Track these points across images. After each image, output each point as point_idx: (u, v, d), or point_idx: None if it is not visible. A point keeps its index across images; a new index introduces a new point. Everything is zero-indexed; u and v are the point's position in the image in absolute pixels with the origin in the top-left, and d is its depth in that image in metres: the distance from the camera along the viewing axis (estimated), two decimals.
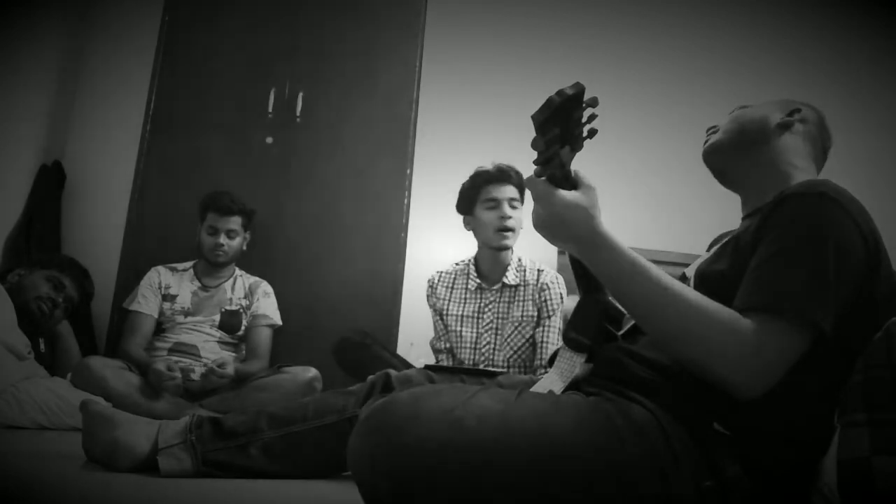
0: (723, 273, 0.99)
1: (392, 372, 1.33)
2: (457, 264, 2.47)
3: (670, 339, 0.91)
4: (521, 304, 2.30)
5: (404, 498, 0.79)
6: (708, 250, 1.24)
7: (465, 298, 2.38)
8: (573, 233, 0.93)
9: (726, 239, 1.10)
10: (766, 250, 0.92)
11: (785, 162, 1.11)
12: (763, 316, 0.87)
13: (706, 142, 1.19)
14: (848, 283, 0.89)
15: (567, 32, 3.60)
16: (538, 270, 2.33)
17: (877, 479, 0.83)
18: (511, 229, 2.24)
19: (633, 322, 1.06)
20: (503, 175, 2.27)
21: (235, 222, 2.55)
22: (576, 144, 0.92)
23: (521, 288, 2.31)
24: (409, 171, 2.83)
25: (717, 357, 0.86)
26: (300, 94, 2.82)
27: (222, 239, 2.52)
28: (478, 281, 2.36)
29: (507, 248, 2.28)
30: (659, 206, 3.49)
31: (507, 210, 2.24)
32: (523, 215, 2.29)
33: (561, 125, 0.87)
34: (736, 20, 3.70)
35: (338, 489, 1.19)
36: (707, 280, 1.02)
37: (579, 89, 0.86)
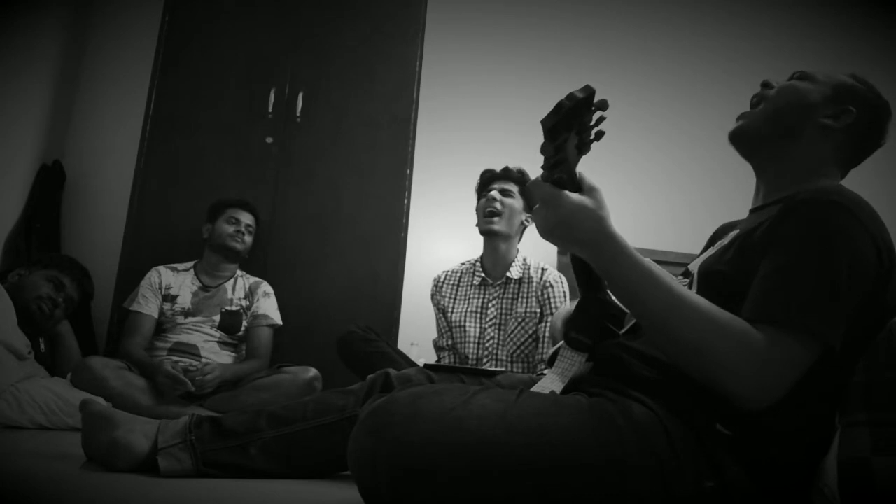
0: (728, 275, 0.98)
1: (392, 371, 1.33)
2: (463, 264, 2.52)
3: (678, 348, 0.89)
4: (524, 300, 2.32)
5: (404, 497, 0.79)
6: (711, 242, 1.23)
7: (470, 294, 2.41)
8: (583, 236, 0.91)
9: (733, 233, 1.09)
10: (776, 259, 0.91)
11: (810, 165, 1.07)
12: (772, 329, 0.86)
13: (742, 114, 1.13)
14: (859, 295, 0.89)
15: (566, 32, 3.60)
16: (542, 269, 2.37)
17: (877, 479, 0.83)
18: (496, 213, 2.31)
19: (634, 321, 1.06)
20: (504, 172, 2.39)
21: (252, 221, 2.62)
22: (584, 148, 0.90)
23: (525, 284, 2.34)
24: (409, 171, 2.83)
25: (725, 370, 0.85)
26: (300, 94, 2.82)
27: (243, 228, 2.57)
28: (482, 276, 2.41)
29: (493, 232, 2.32)
30: (659, 205, 3.49)
31: (495, 195, 2.32)
32: (517, 204, 2.35)
33: (570, 129, 0.86)
34: (739, 20, 3.70)
35: (338, 489, 1.19)
36: (711, 279, 1.01)
37: (589, 92, 0.85)
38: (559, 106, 0.84)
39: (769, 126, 1.10)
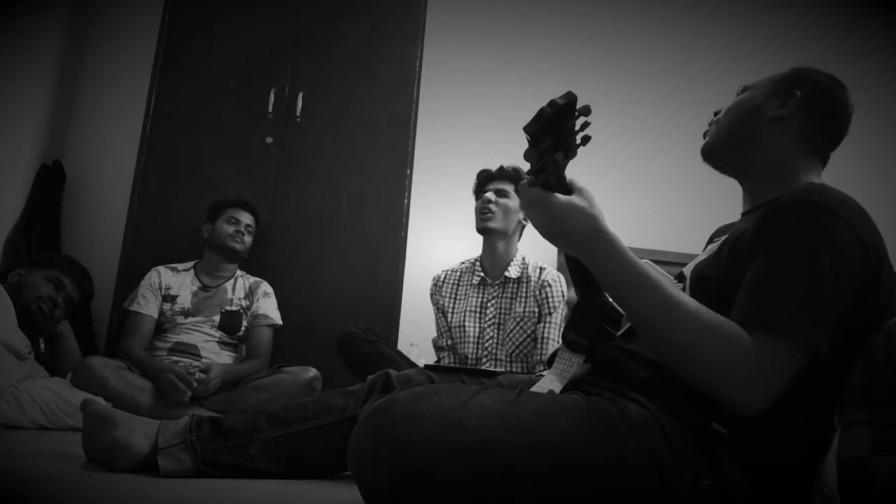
0: (717, 279, 0.98)
1: (392, 372, 1.33)
2: (462, 263, 2.52)
3: (669, 350, 0.90)
4: (523, 300, 2.33)
5: (404, 497, 0.79)
6: (707, 243, 1.24)
7: (469, 294, 2.41)
8: (575, 236, 0.92)
9: (724, 237, 1.10)
10: (762, 263, 0.91)
11: (779, 163, 1.09)
12: (760, 333, 0.86)
13: (705, 133, 1.17)
14: (846, 295, 0.89)
15: (567, 32, 3.60)
16: (540, 268, 2.38)
17: (877, 479, 0.83)
18: (489, 211, 2.32)
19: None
20: (499, 171, 2.40)
21: (252, 221, 2.62)
22: (569, 152, 0.91)
23: (524, 283, 2.35)
24: (409, 171, 2.83)
25: (715, 374, 0.86)
26: (300, 94, 2.82)
27: (243, 228, 2.57)
28: (481, 275, 2.41)
29: (488, 229, 2.34)
30: (657, 205, 3.50)
31: (490, 196, 2.34)
32: (512, 203, 2.37)
33: (554, 135, 0.87)
34: (738, 20, 3.70)
35: (338, 489, 1.19)
36: (703, 283, 1.01)
37: (570, 99, 0.86)
38: (541, 113, 0.85)
39: (726, 138, 1.13)
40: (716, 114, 1.18)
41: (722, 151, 1.14)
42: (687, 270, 1.11)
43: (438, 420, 0.81)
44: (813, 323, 0.86)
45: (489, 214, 2.32)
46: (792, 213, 0.92)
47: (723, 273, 0.98)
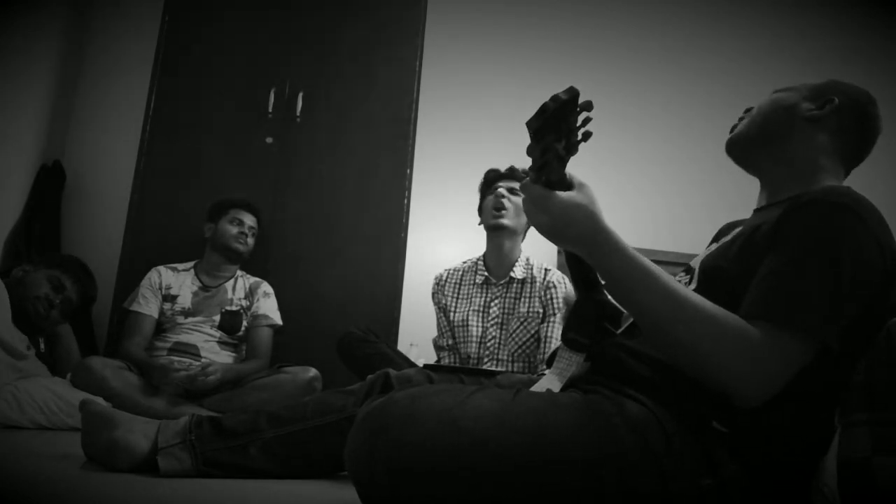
0: (728, 271, 0.98)
1: (391, 371, 1.33)
2: (465, 262, 2.51)
3: (673, 343, 0.89)
4: (527, 300, 2.32)
5: (402, 497, 0.79)
6: (715, 239, 1.23)
7: (472, 293, 2.41)
8: (577, 234, 0.92)
9: (735, 231, 1.10)
10: (779, 258, 0.91)
11: (808, 160, 1.08)
12: (770, 327, 0.86)
13: (732, 129, 1.16)
14: (860, 297, 0.88)
15: (567, 32, 3.60)
16: (545, 269, 2.37)
17: (877, 479, 0.83)
18: (504, 207, 2.31)
19: (631, 320, 1.06)
20: (510, 171, 2.39)
21: (254, 223, 2.63)
22: (571, 149, 0.91)
23: (528, 283, 2.34)
24: (409, 171, 2.83)
25: (719, 365, 0.86)
26: (300, 94, 2.82)
27: (247, 229, 2.57)
28: (485, 274, 2.40)
29: (501, 226, 2.32)
30: (658, 205, 3.49)
31: (503, 192, 2.34)
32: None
33: (556, 131, 0.87)
34: (738, 20, 3.70)
35: (338, 489, 1.19)
36: (712, 276, 1.01)
37: (573, 94, 0.86)
38: (543, 108, 0.84)
39: (758, 130, 1.12)
40: (747, 110, 1.17)
41: (751, 142, 1.13)
42: (695, 263, 1.10)
43: (435, 420, 0.81)
44: (824, 320, 0.86)
45: (503, 211, 2.31)
46: (816, 211, 0.91)
47: (733, 265, 0.98)
